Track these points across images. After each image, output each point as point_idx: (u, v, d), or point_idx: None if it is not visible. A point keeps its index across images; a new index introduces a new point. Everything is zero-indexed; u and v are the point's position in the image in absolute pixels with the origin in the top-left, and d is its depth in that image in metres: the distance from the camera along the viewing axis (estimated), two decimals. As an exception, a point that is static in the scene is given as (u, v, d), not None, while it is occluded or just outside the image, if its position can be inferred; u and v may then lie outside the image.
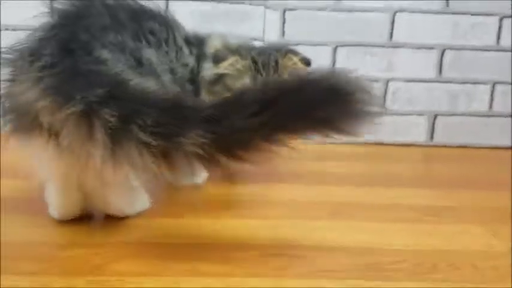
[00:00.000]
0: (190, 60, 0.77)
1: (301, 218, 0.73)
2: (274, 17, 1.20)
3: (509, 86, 1.27)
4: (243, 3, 1.19)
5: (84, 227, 0.65)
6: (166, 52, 0.72)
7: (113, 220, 0.68)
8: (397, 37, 1.23)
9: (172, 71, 0.72)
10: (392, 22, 1.22)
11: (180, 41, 0.76)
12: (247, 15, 1.20)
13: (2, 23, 1.11)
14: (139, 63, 0.65)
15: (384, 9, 1.21)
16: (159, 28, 0.72)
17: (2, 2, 1.10)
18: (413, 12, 1.22)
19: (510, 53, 1.25)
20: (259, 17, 1.20)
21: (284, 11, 1.20)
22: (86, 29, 0.62)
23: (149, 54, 0.68)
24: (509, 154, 1.25)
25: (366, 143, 1.29)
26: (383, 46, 1.24)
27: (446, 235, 0.68)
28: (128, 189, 0.69)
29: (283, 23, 1.21)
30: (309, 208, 0.78)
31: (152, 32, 0.71)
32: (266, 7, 1.19)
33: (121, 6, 0.71)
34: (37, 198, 0.73)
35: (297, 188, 0.88)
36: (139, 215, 0.71)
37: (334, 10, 1.21)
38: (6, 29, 1.10)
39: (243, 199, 0.81)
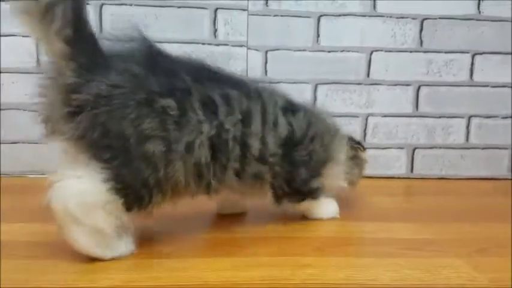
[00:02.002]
0: (283, 130, 0.80)
1: (287, 254, 0.74)
2: (256, 57, 1.24)
3: (484, 118, 1.32)
4: (226, 44, 1.23)
5: (77, 268, 0.65)
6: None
7: (98, 261, 0.68)
8: (374, 75, 1.28)
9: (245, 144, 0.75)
10: (369, 61, 1.28)
11: (271, 117, 0.79)
12: (230, 56, 1.23)
13: None
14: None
15: (361, 48, 1.27)
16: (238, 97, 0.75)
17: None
18: (389, 51, 1.27)
19: (483, 87, 1.31)
20: (242, 58, 1.24)
21: (266, 52, 1.25)
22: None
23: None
24: (487, 185, 1.29)
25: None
26: (361, 83, 1.28)
27: (429, 268, 0.69)
28: (98, 231, 0.65)
29: (265, 62, 1.25)
30: (293, 244, 0.78)
31: (226, 97, 0.74)
32: (248, 48, 1.23)
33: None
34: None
35: (280, 224, 0.89)
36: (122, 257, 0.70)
37: (313, 50, 1.26)
38: None
39: (227, 238, 0.82)
